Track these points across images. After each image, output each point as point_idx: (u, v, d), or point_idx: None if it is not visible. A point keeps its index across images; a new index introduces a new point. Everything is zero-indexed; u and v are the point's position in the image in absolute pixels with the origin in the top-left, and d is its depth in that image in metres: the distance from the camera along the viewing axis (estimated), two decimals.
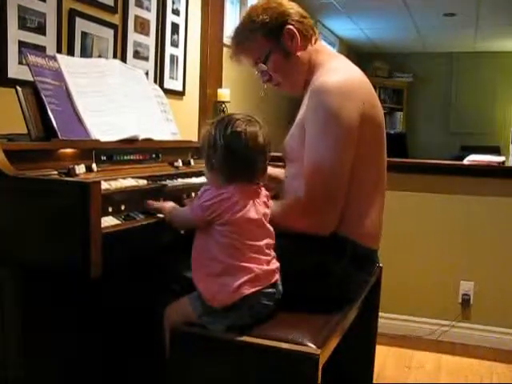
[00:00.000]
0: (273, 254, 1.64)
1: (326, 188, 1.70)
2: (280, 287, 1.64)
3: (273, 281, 1.61)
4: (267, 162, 1.63)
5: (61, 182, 1.57)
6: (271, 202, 1.71)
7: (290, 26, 1.85)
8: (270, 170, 2.02)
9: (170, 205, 1.71)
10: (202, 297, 1.57)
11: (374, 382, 2.41)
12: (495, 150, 7.54)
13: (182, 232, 1.70)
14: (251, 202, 1.57)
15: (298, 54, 1.87)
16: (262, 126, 1.59)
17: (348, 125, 1.69)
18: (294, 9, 1.88)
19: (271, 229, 1.64)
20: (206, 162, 1.62)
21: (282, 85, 1.96)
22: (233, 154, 1.54)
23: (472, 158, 3.32)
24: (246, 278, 1.53)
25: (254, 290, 1.54)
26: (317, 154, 1.71)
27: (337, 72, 1.79)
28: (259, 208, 1.60)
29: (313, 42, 1.91)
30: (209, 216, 1.53)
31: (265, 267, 1.58)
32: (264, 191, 1.65)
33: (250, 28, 1.88)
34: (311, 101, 1.74)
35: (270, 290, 1.60)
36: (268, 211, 1.64)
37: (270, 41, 1.86)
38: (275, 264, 1.63)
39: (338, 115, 1.68)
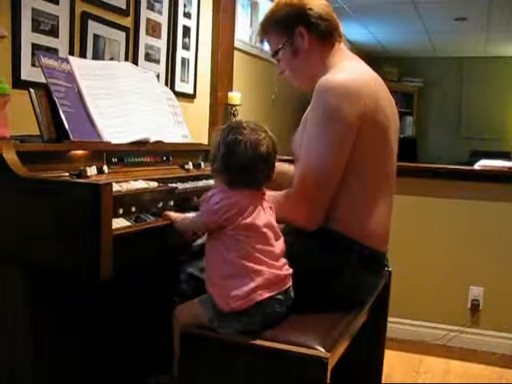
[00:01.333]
0: (284, 260, 1.64)
1: (316, 184, 1.71)
2: (292, 293, 1.64)
3: (286, 287, 1.61)
4: (271, 170, 1.63)
5: (72, 183, 1.58)
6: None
7: (302, 29, 1.88)
8: (279, 166, 2.02)
9: (177, 214, 1.73)
10: (215, 301, 1.56)
11: None
12: (506, 156, 7.50)
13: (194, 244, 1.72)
14: (259, 207, 1.59)
15: (307, 54, 1.90)
16: (267, 135, 1.61)
17: (345, 124, 1.70)
18: (314, 9, 1.88)
19: (281, 235, 1.66)
20: (211, 166, 1.65)
21: (291, 79, 2.00)
22: (231, 160, 1.57)
23: (483, 163, 3.31)
24: (258, 281, 1.53)
25: (267, 295, 1.54)
26: (310, 151, 1.73)
27: (344, 72, 1.80)
28: (267, 214, 1.62)
29: (327, 45, 1.91)
30: (220, 218, 1.54)
31: (277, 272, 1.58)
32: (267, 200, 1.66)
33: (269, 21, 1.95)
34: (313, 99, 1.77)
35: (282, 296, 1.60)
36: (272, 220, 1.65)
37: (284, 37, 1.91)
38: (288, 270, 1.63)
39: (334, 114, 1.70)
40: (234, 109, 3.99)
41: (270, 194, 1.75)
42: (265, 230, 1.58)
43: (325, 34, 1.90)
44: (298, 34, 1.89)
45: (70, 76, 2.00)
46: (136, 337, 1.91)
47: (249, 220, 1.55)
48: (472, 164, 3.42)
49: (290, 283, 1.64)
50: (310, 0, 1.90)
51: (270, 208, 1.66)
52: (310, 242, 1.77)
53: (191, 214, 1.68)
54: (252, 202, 1.57)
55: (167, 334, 1.66)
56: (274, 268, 1.58)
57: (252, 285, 1.53)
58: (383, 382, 2.41)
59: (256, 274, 1.54)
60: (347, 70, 1.82)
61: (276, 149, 1.62)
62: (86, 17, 2.64)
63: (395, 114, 1.92)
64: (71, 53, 2.53)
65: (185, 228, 1.67)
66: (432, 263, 3.33)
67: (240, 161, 1.56)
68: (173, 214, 1.73)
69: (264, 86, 4.93)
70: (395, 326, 3.22)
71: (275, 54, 1.96)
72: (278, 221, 1.70)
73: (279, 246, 1.63)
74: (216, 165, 1.61)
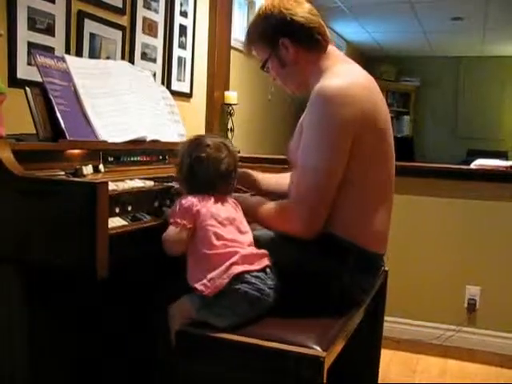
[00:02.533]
0: (258, 251, 1.69)
1: (312, 190, 1.70)
2: (271, 275, 1.67)
3: (262, 265, 1.65)
4: (232, 184, 1.76)
5: (68, 182, 1.57)
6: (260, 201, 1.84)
7: (285, 41, 1.84)
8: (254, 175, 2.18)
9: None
10: (198, 290, 1.59)
11: None
12: (503, 155, 7.53)
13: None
14: (221, 203, 1.70)
15: (293, 63, 1.87)
16: (229, 153, 1.72)
17: (341, 131, 1.69)
18: (295, 18, 1.83)
19: (249, 230, 1.74)
20: (179, 179, 1.77)
21: (283, 86, 1.99)
22: (194, 175, 1.70)
23: (479, 163, 3.31)
24: (232, 260, 1.59)
25: (242, 268, 1.59)
26: (308, 156, 1.72)
27: (339, 77, 1.77)
28: (229, 208, 1.71)
29: (314, 50, 1.86)
30: (190, 218, 1.62)
31: (249, 249, 1.66)
32: (230, 199, 1.76)
33: (252, 33, 1.92)
34: (309, 105, 1.75)
35: (260, 273, 1.63)
36: (239, 215, 1.74)
37: (267, 49, 1.89)
38: (262, 251, 1.69)
39: (331, 121, 1.68)
40: (230, 108, 3.99)
41: (265, 205, 1.82)
42: (227, 222, 1.67)
43: (310, 42, 1.85)
44: (282, 46, 1.85)
45: (66, 75, 2.00)
46: (134, 336, 1.90)
47: (214, 213, 1.65)
48: (469, 163, 3.41)
49: (269, 263, 1.68)
50: (292, 7, 1.84)
51: (235, 205, 1.75)
52: (308, 245, 1.76)
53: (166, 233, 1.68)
54: (215, 201, 1.69)
55: (164, 334, 1.66)
56: (245, 248, 1.65)
57: (227, 263, 1.59)
58: (380, 381, 2.41)
59: (229, 255, 1.60)
60: (342, 74, 1.79)
61: (237, 165, 1.76)
62: (82, 15, 2.64)
63: (389, 117, 1.91)
64: (67, 51, 2.53)
65: (170, 245, 1.66)
66: (429, 262, 3.33)
67: (201, 177, 1.69)
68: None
69: (261, 85, 4.92)
70: (392, 325, 3.22)
71: (263, 65, 1.94)
72: (272, 229, 1.80)
73: (247, 237, 1.70)
74: (180, 176, 1.73)
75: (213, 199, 1.69)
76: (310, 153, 1.72)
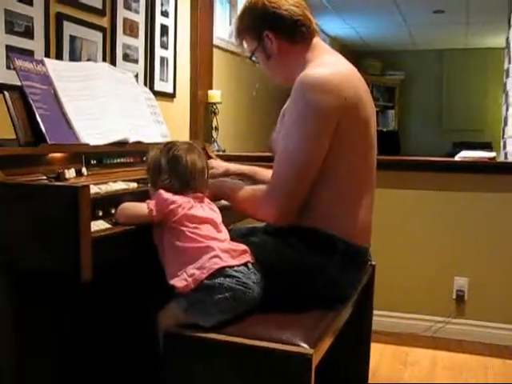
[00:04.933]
0: (238, 246, 1.70)
1: (289, 177, 1.72)
2: (254, 270, 1.68)
3: (243, 261, 1.66)
4: (207, 182, 1.82)
5: (49, 187, 1.56)
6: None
7: (269, 33, 1.87)
8: (238, 168, 2.26)
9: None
10: (180, 288, 1.60)
11: (370, 380, 2.41)
12: (487, 146, 7.56)
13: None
14: (199, 204, 1.73)
15: (278, 54, 1.90)
16: (200, 152, 1.80)
17: (322, 118, 1.70)
18: (279, 10, 1.85)
19: (226, 231, 1.75)
20: (152, 184, 1.77)
21: (271, 78, 2.02)
22: (173, 174, 1.73)
23: (463, 155, 3.33)
24: (211, 253, 1.61)
25: (223, 263, 1.60)
26: (287, 143, 1.74)
27: (323, 66, 1.79)
28: (207, 210, 1.74)
29: (299, 41, 1.88)
30: (166, 207, 1.64)
31: (228, 244, 1.68)
32: (207, 199, 1.79)
33: (239, 27, 1.97)
34: (292, 94, 1.76)
35: (242, 267, 1.65)
36: (216, 215, 1.76)
37: (253, 42, 1.94)
38: (241, 246, 1.70)
39: (313, 108, 1.69)
40: (214, 107, 3.98)
41: (243, 189, 1.87)
42: (206, 223, 1.69)
43: (294, 34, 1.87)
44: (266, 38, 1.88)
45: (46, 78, 1.98)
46: (117, 338, 1.90)
47: (190, 212, 1.66)
48: (454, 156, 3.43)
49: (250, 259, 1.69)
50: (276, 0, 1.86)
51: (212, 205, 1.78)
52: (292, 240, 1.77)
53: (135, 203, 1.72)
54: (192, 200, 1.71)
55: (150, 336, 1.66)
56: (223, 243, 1.67)
57: (207, 256, 1.60)
58: (370, 375, 2.42)
59: (208, 249, 1.62)
60: (326, 64, 1.81)
61: (207, 163, 1.84)
62: (61, 18, 2.61)
63: (374, 108, 1.92)
64: (47, 54, 2.51)
65: (129, 214, 1.67)
66: (416, 255, 3.35)
67: (180, 175, 1.73)
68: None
69: (245, 83, 4.91)
70: (381, 318, 3.23)
71: (251, 56, 1.98)
72: (250, 217, 1.83)
73: (224, 235, 1.72)
74: (159, 181, 1.74)
75: (191, 200, 1.70)
76: (289, 140, 1.74)
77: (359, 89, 1.82)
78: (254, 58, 1.98)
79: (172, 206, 1.65)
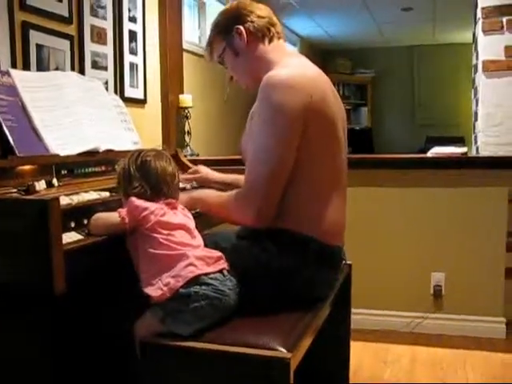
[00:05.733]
0: (213, 253, 1.69)
1: (263, 178, 1.72)
2: (230, 277, 1.68)
3: (218, 268, 1.66)
4: (178, 188, 1.83)
5: (17, 201, 1.54)
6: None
7: (239, 26, 1.93)
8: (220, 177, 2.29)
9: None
10: (156, 298, 1.59)
11: (352, 379, 2.41)
12: (460, 141, 7.64)
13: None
14: (172, 210, 1.73)
15: (247, 50, 1.94)
16: (170, 158, 1.81)
17: (290, 117, 1.71)
18: (250, 10, 1.96)
19: (199, 236, 1.75)
20: (124, 193, 1.75)
21: (239, 81, 2.04)
22: (143, 180, 1.72)
23: (435, 151, 3.36)
24: (186, 261, 1.60)
25: (199, 271, 1.60)
26: (257, 144, 1.75)
27: (287, 67, 1.82)
28: (180, 216, 1.74)
29: (266, 41, 1.95)
30: (138, 215, 1.63)
31: (202, 251, 1.68)
32: (180, 205, 1.79)
33: (211, 29, 2.02)
34: (258, 95, 1.78)
35: (217, 274, 1.64)
36: (189, 221, 1.76)
37: (224, 40, 1.97)
38: (216, 253, 1.70)
39: (280, 107, 1.71)
40: (186, 111, 3.97)
41: (218, 196, 1.89)
42: (179, 229, 1.68)
43: (262, 30, 1.95)
44: (236, 32, 1.93)
45: (13, 89, 1.96)
46: (92, 351, 1.87)
47: (163, 218, 1.66)
48: (426, 151, 3.46)
49: (225, 266, 1.69)
50: (246, 5, 1.97)
51: (186, 211, 1.79)
52: (266, 243, 1.77)
53: (107, 213, 1.71)
54: (164, 206, 1.70)
55: (126, 348, 1.64)
56: (196, 250, 1.66)
57: (182, 264, 1.60)
58: (352, 374, 2.43)
59: (182, 257, 1.61)
60: (291, 66, 1.84)
61: (177, 169, 1.84)
62: (27, 26, 2.57)
63: (343, 111, 1.94)
64: (13, 65, 2.47)
65: (101, 224, 1.66)
66: (392, 253, 3.37)
67: (151, 180, 1.73)
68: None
69: (216, 87, 4.91)
70: (360, 317, 3.25)
71: (221, 59, 2.00)
72: (228, 222, 1.85)
73: (198, 241, 1.72)
74: (129, 189, 1.72)
75: (164, 206, 1.69)
76: (260, 141, 1.75)
77: (325, 89, 1.84)
78: (224, 60, 2.00)
79: (144, 213, 1.64)
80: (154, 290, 1.59)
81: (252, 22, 1.94)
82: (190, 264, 1.60)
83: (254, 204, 1.73)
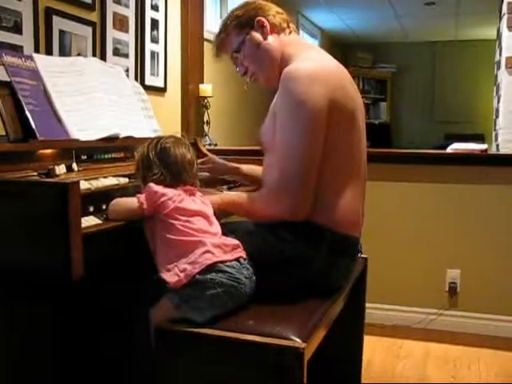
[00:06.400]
0: (230, 241, 1.70)
1: (296, 172, 1.72)
2: (247, 265, 1.68)
3: (235, 256, 1.66)
4: (196, 174, 1.81)
5: (39, 183, 1.55)
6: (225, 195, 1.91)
7: (261, 17, 1.94)
8: (244, 169, 2.27)
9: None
10: (172, 283, 1.59)
11: (363, 372, 2.41)
12: (480, 138, 7.58)
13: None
14: (191, 197, 1.72)
15: (269, 41, 1.94)
16: (188, 145, 1.80)
17: (315, 109, 1.71)
18: (268, 6, 1.99)
19: (217, 224, 1.74)
20: (143, 179, 1.75)
21: (256, 75, 2.01)
22: (162, 167, 1.71)
23: (455, 147, 3.33)
24: (203, 249, 1.60)
25: (215, 259, 1.60)
26: (286, 139, 1.75)
27: (308, 60, 1.82)
28: (198, 203, 1.73)
29: (286, 33, 1.97)
30: (157, 201, 1.63)
31: (220, 239, 1.68)
32: (198, 193, 1.78)
33: (226, 22, 2.00)
34: (280, 87, 1.78)
35: (234, 262, 1.64)
36: (208, 208, 1.75)
37: (243, 31, 1.96)
38: (234, 241, 1.70)
39: (304, 100, 1.70)
40: (205, 101, 3.97)
41: (247, 197, 1.86)
42: (197, 216, 1.68)
43: (281, 24, 1.97)
44: (258, 24, 1.94)
45: (35, 74, 1.97)
46: (113, 336, 1.89)
47: (181, 204, 1.66)
48: (446, 148, 3.43)
49: (242, 255, 1.69)
50: (266, 2, 2.01)
51: (203, 200, 1.76)
52: (281, 231, 1.78)
53: (125, 198, 1.71)
54: (183, 193, 1.70)
55: (143, 333, 1.65)
56: (214, 238, 1.66)
57: (199, 251, 1.60)
58: (364, 368, 2.43)
59: (200, 244, 1.61)
60: (311, 59, 1.85)
61: (195, 155, 1.83)
62: (50, 12, 2.60)
63: (361, 103, 1.94)
64: (37, 50, 2.49)
65: (120, 209, 1.67)
66: (409, 248, 3.35)
67: (170, 167, 1.72)
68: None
69: (236, 76, 4.88)
70: (374, 311, 3.24)
71: (237, 50, 1.98)
72: (263, 219, 1.82)
73: (216, 228, 1.72)
74: (148, 176, 1.72)
75: (182, 193, 1.69)
76: (286, 136, 1.75)
77: (345, 81, 1.85)
78: (241, 52, 1.97)
79: (163, 199, 1.64)
80: (170, 276, 1.60)
81: (273, 15, 1.96)
82: (207, 251, 1.60)
83: (288, 199, 1.73)
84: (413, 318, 3.34)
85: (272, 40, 1.94)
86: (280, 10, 2.01)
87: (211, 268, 1.59)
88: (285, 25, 1.97)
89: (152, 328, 1.63)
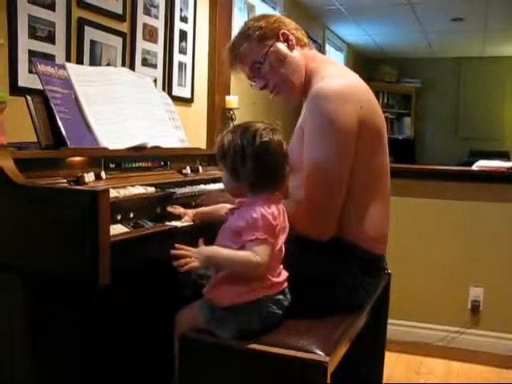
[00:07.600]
0: (284, 274, 1.65)
1: (324, 192, 1.71)
2: (288, 295, 1.65)
3: (281, 288, 1.62)
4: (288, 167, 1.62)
5: (69, 190, 1.58)
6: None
7: (285, 31, 1.91)
8: None
9: (205, 250, 1.55)
10: (213, 300, 1.57)
11: None
12: (505, 155, 7.52)
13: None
14: (282, 209, 1.59)
15: (295, 54, 1.91)
16: (281, 133, 1.60)
17: (345, 129, 1.70)
18: (288, 20, 1.97)
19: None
20: (232, 172, 1.57)
21: (279, 88, 1.95)
22: (263, 164, 1.53)
23: (481, 164, 3.31)
24: (263, 284, 1.56)
25: (266, 292, 1.56)
26: (315, 159, 1.73)
27: (334, 77, 1.81)
28: (282, 213, 1.59)
29: (308, 48, 1.97)
30: (273, 233, 1.51)
31: (276, 279, 1.60)
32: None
33: (246, 34, 1.92)
34: (309, 106, 1.77)
35: (279, 296, 1.60)
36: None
37: (267, 43, 1.89)
38: (285, 274, 1.64)
39: (334, 119, 1.70)
40: (231, 112, 3.99)
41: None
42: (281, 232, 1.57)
43: (303, 39, 1.96)
44: (282, 36, 1.90)
45: (67, 82, 2.00)
46: (135, 342, 1.90)
47: (283, 224, 1.56)
48: (471, 164, 3.42)
49: (286, 284, 1.64)
50: (285, 17, 2.00)
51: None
52: (310, 249, 1.76)
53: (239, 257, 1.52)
54: (275, 208, 1.54)
55: (168, 340, 1.66)
56: (275, 274, 1.59)
57: (256, 284, 1.54)
58: (384, 381, 2.41)
59: (260, 279, 1.55)
60: (337, 75, 1.84)
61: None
62: (82, 23, 2.65)
63: (383, 115, 1.92)
64: (68, 59, 2.54)
65: (264, 268, 1.53)
66: (432, 264, 3.33)
67: (272, 163, 1.54)
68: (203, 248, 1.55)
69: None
70: (396, 327, 3.22)
71: (261, 62, 1.89)
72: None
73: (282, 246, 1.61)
74: (240, 171, 1.55)
75: (276, 209, 1.54)
76: (316, 154, 1.73)
77: (371, 97, 1.85)
78: (263, 65, 1.89)
79: (275, 223, 1.50)
80: (216, 294, 1.57)
81: (295, 29, 1.95)
82: (265, 287, 1.57)
83: (317, 220, 1.72)
84: (434, 335, 3.31)
85: (297, 54, 1.92)
86: (298, 26, 1.98)
87: (256, 301, 1.56)
88: (306, 40, 1.96)
89: (176, 333, 1.63)
